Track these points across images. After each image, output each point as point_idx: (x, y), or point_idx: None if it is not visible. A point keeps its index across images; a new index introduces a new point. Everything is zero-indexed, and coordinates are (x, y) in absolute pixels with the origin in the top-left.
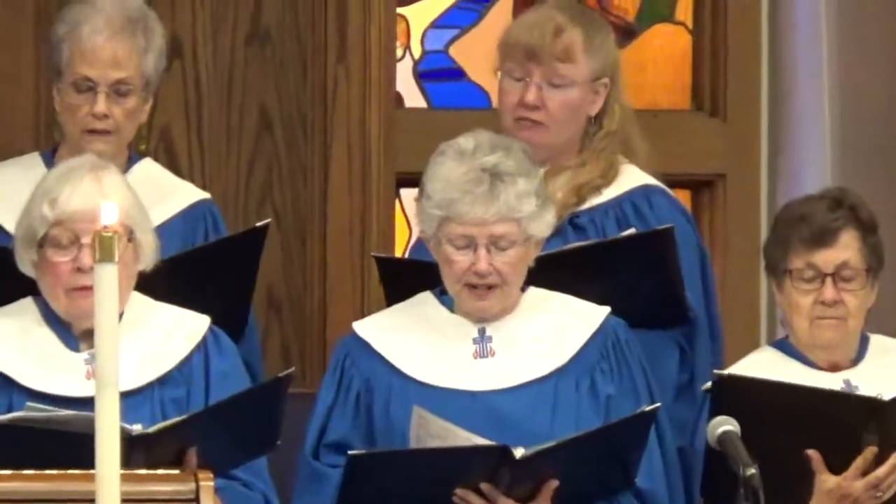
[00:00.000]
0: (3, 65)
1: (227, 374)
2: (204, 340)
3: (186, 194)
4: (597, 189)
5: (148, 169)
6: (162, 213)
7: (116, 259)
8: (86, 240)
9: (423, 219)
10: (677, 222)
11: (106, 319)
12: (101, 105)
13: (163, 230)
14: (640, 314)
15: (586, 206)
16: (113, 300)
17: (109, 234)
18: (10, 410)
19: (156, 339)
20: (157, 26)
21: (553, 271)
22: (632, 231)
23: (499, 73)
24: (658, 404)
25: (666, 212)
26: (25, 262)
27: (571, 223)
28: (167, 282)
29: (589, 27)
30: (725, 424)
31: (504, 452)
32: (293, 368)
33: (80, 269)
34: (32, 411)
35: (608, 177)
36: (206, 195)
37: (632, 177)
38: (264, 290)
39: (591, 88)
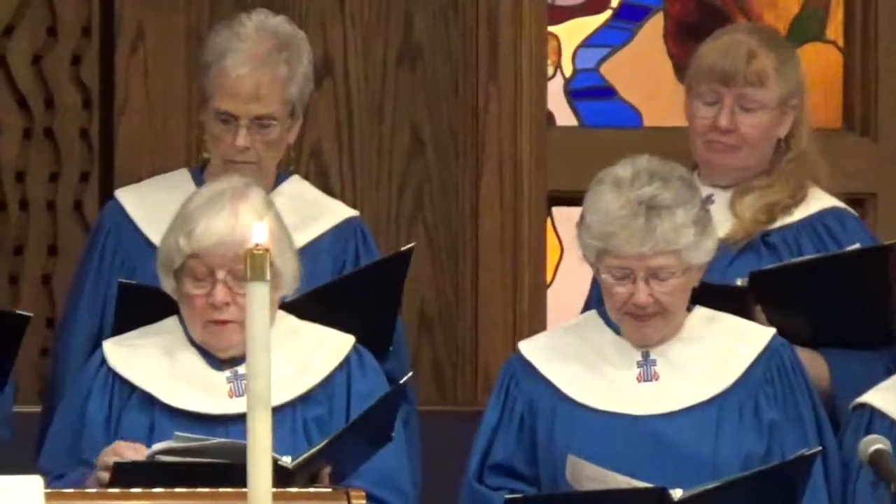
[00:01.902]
0: (156, 86)
1: (369, 395)
2: (347, 360)
3: (335, 212)
4: (787, 209)
5: (296, 187)
6: (311, 231)
7: (268, 277)
8: (220, 275)
9: (583, 248)
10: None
11: (257, 337)
12: (241, 139)
13: (312, 248)
14: (850, 332)
15: (777, 224)
16: (264, 318)
17: (260, 253)
18: (152, 429)
19: (299, 357)
20: (304, 49)
21: (771, 286)
22: (857, 246)
23: (688, 97)
24: (819, 448)
25: (858, 235)
26: (167, 288)
27: (764, 241)
28: (314, 309)
29: (779, 51)
30: (877, 443)
31: (662, 495)
32: (410, 374)
33: (213, 305)
34: (181, 441)
35: (797, 197)
36: (354, 212)
37: (821, 198)
38: (416, 308)
39: (781, 111)
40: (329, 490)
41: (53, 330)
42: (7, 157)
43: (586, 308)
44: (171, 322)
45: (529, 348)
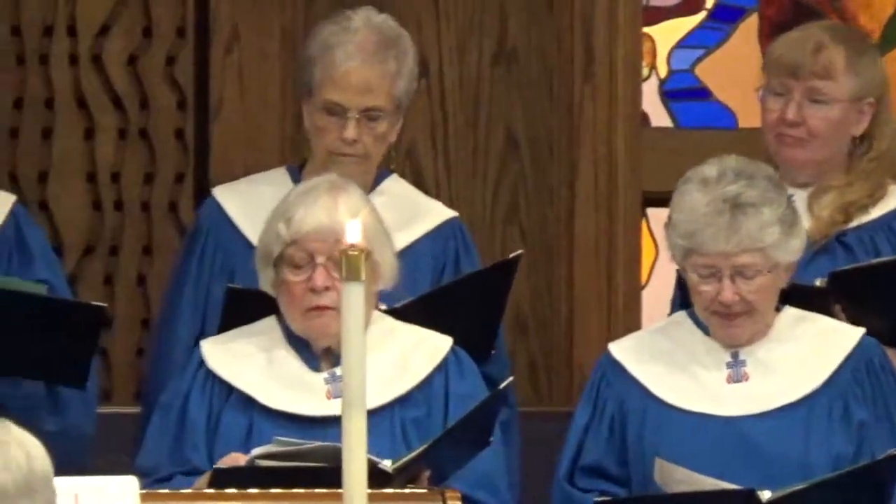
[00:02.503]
0: (251, 86)
1: (467, 396)
2: (445, 361)
3: (435, 213)
4: (864, 208)
5: (395, 187)
6: (411, 232)
7: (363, 278)
8: (320, 259)
9: (671, 247)
10: None
11: (352, 338)
12: (350, 131)
13: (412, 250)
14: None
15: (853, 224)
16: (359, 319)
17: (356, 253)
18: (250, 430)
19: (397, 358)
20: (410, 48)
21: (851, 286)
22: None
23: (760, 91)
24: None
25: None
26: (265, 282)
27: (839, 241)
28: (419, 316)
29: (853, 46)
30: None
31: (750, 496)
32: (511, 379)
33: (313, 290)
34: (281, 445)
35: (875, 196)
36: (454, 213)
37: None
38: (511, 309)
39: (854, 107)
40: (424, 491)
41: (148, 330)
42: (102, 158)
43: (672, 310)
44: (269, 322)
45: (619, 349)
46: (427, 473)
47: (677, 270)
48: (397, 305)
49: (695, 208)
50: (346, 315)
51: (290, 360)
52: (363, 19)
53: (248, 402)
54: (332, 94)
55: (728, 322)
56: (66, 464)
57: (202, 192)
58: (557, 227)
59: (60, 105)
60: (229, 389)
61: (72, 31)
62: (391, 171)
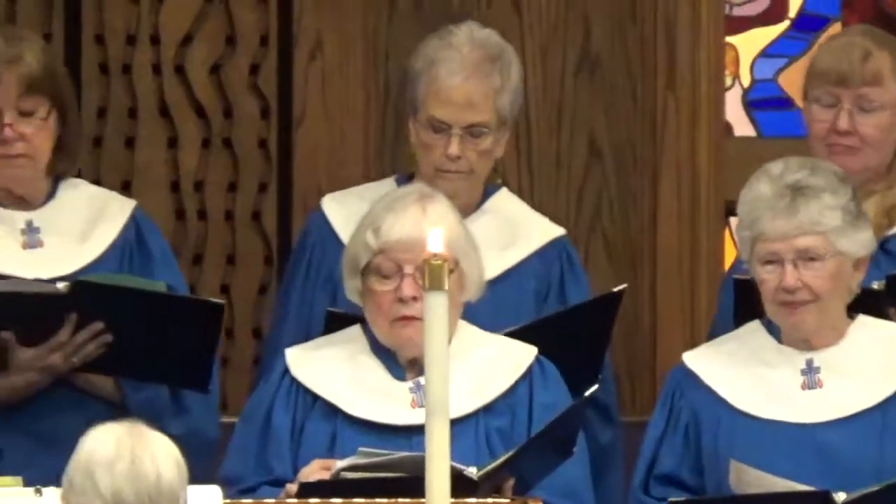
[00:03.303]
0: (334, 95)
1: (551, 406)
2: (530, 371)
3: (542, 232)
4: None
5: (503, 203)
6: (517, 252)
7: (446, 287)
8: (408, 269)
9: (739, 244)
10: None
11: (436, 347)
12: (454, 148)
13: (518, 270)
14: None
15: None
16: (442, 328)
17: (438, 263)
18: (334, 439)
19: (482, 368)
20: (515, 62)
21: None
22: None
23: (805, 102)
24: None
25: None
26: (351, 291)
27: (882, 248)
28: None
29: (894, 50)
30: None
31: (825, 497)
32: (595, 386)
33: (401, 300)
34: (365, 456)
35: None
36: (561, 231)
37: None
38: None
39: None
40: (507, 501)
41: (232, 339)
42: (186, 167)
43: (714, 322)
44: (354, 331)
45: (693, 358)
46: (511, 482)
47: (734, 279)
48: (503, 332)
49: (758, 197)
50: (429, 324)
51: (374, 369)
52: (466, 34)
53: (333, 411)
54: (435, 111)
55: (792, 310)
56: (194, 468)
57: (285, 202)
58: (640, 236)
59: (144, 114)
60: (314, 398)
61: (155, 40)
62: (499, 186)
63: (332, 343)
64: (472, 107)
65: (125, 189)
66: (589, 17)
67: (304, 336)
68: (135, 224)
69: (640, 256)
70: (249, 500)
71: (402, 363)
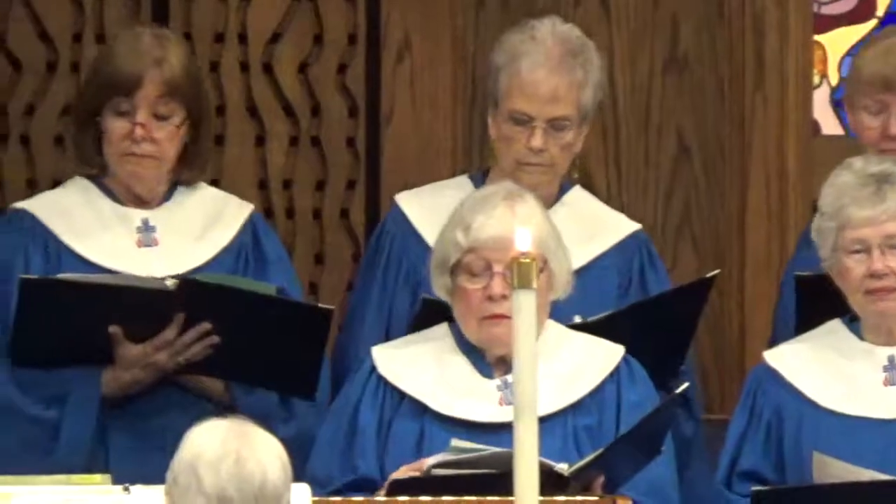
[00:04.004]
0: (422, 94)
1: (639, 405)
2: (617, 370)
3: (620, 226)
4: None
5: (580, 198)
6: (596, 246)
7: (534, 285)
8: (498, 268)
9: (820, 238)
10: None
11: (524, 345)
12: (538, 140)
13: (597, 263)
14: None
15: None
16: (531, 326)
17: (527, 261)
18: (421, 436)
19: (570, 366)
20: (596, 57)
21: None
22: None
23: (852, 111)
24: None
25: None
26: (440, 287)
27: None
28: (609, 331)
29: None
30: None
31: None
32: (686, 384)
33: (491, 298)
34: (456, 452)
35: None
36: (637, 226)
37: None
38: None
39: None
40: (596, 498)
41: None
42: (274, 165)
43: (775, 321)
44: (440, 329)
45: (774, 357)
46: (601, 479)
47: (795, 276)
48: (589, 320)
49: (843, 186)
50: (518, 322)
51: (462, 367)
52: (549, 28)
53: (420, 409)
54: (518, 104)
55: (880, 297)
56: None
57: (374, 200)
58: (729, 235)
59: (231, 113)
60: (401, 396)
61: (243, 39)
62: (574, 183)
63: (419, 341)
64: (555, 100)
65: (214, 186)
66: (677, 16)
67: (384, 331)
68: (251, 227)
69: (729, 255)
70: (338, 499)
71: (489, 361)
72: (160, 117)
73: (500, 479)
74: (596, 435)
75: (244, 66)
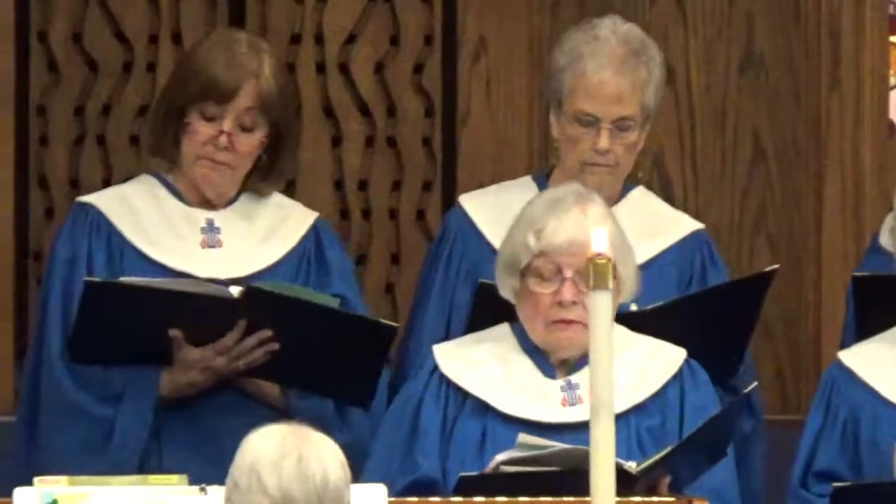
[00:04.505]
0: (498, 95)
1: (702, 407)
2: (680, 372)
3: (681, 225)
4: None
5: (642, 198)
6: (657, 244)
7: (611, 286)
8: (568, 273)
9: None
10: None
11: (600, 346)
12: (604, 141)
13: (658, 261)
14: None
15: None
16: (607, 327)
17: (604, 262)
18: (484, 436)
19: (633, 368)
20: (658, 56)
21: None
22: None
23: None
24: None
25: None
26: (506, 288)
27: None
28: (668, 320)
29: None
30: None
31: None
32: (754, 384)
33: (561, 303)
34: (524, 448)
35: None
36: (699, 225)
37: None
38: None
39: None
40: (672, 499)
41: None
42: (350, 166)
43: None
44: (502, 330)
45: (849, 357)
46: (667, 479)
47: (853, 276)
48: (647, 308)
49: None
50: (594, 323)
51: (526, 368)
52: (610, 28)
53: (484, 409)
54: (584, 105)
55: None
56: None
57: (450, 201)
58: (805, 235)
59: (308, 113)
60: (464, 395)
61: (319, 39)
62: (637, 183)
63: (481, 341)
64: (620, 100)
65: (290, 187)
66: (752, 16)
67: (444, 330)
68: (315, 234)
69: (805, 255)
70: (414, 499)
71: (552, 362)
72: (245, 128)
73: (569, 476)
74: (659, 436)
75: (320, 67)
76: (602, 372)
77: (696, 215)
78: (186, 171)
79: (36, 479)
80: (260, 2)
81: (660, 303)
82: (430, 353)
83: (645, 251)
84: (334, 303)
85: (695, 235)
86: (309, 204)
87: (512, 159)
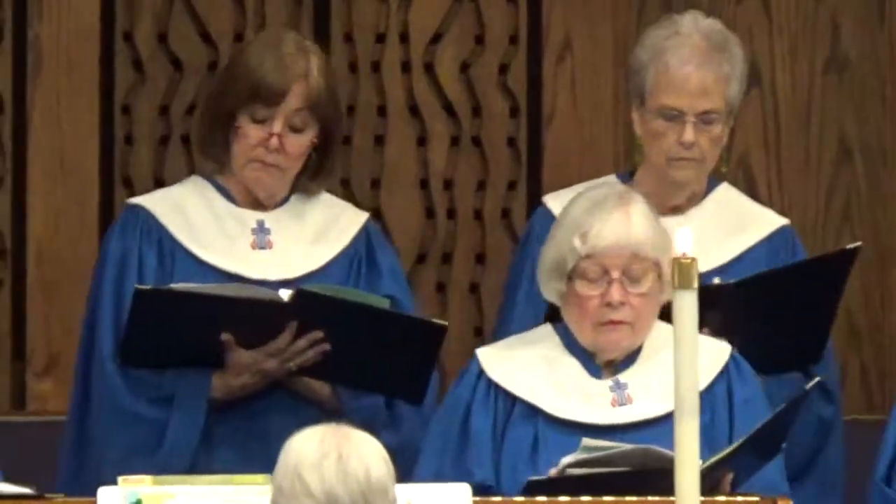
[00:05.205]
0: (583, 95)
1: (750, 401)
2: (726, 368)
3: (768, 221)
4: None
5: (727, 195)
6: (744, 240)
7: (695, 285)
8: (615, 274)
9: None
10: None
11: (685, 345)
12: (689, 135)
13: (745, 258)
14: None
15: None
16: (693, 327)
17: (688, 261)
18: (535, 441)
19: None
20: (740, 51)
21: None
22: None
23: None
24: None
25: None
26: (550, 291)
27: None
28: (748, 296)
29: None
30: None
31: None
32: (816, 380)
33: (608, 304)
34: (588, 451)
35: None
36: (785, 221)
37: None
38: (843, 316)
39: None
40: (756, 498)
41: (482, 338)
42: (435, 165)
43: None
44: (545, 330)
45: None
46: (730, 477)
47: None
48: (732, 281)
49: None
50: (680, 322)
51: (573, 369)
52: (691, 23)
53: (533, 412)
54: (668, 99)
55: None
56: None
57: (534, 200)
58: (890, 235)
59: (392, 112)
60: (512, 400)
61: (404, 39)
62: (721, 180)
63: (525, 343)
64: (704, 94)
65: (374, 187)
66: (837, 17)
67: (533, 321)
68: (366, 235)
69: (890, 256)
70: (498, 499)
71: (598, 362)
72: (295, 129)
73: (636, 476)
74: (709, 433)
75: (405, 67)
76: (686, 373)
77: (781, 215)
78: (237, 173)
79: (120, 479)
80: (345, 1)
81: (741, 278)
82: (475, 356)
83: (732, 247)
84: (385, 303)
85: (781, 231)
86: (394, 204)
87: (597, 158)
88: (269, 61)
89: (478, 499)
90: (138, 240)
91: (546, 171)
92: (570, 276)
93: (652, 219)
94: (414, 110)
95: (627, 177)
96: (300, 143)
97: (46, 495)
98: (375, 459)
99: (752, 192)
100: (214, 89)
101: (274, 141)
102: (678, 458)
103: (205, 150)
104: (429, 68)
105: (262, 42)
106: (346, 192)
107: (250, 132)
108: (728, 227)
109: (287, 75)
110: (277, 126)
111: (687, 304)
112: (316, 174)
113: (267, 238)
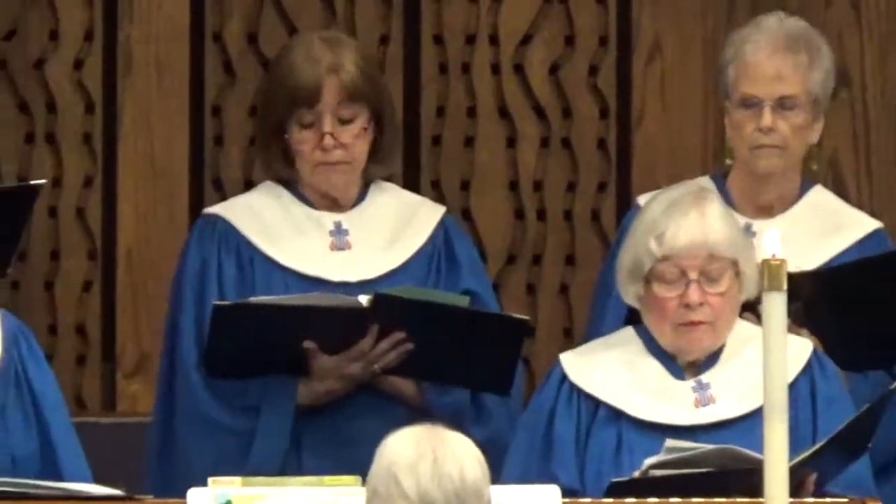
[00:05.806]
0: (673, 96)
1: (833, 398)
2: (809, 365)
3: (861, 224)
4: None
5: (821, 197)
6: (838, 243)
7: (784, 287)
8: (693, 275)
9: None
10: None
11: (774, 348)
12: (766, 119)
13: (839, 260)
14: None
15: None
16: (782, 328)
17: (777, 263)
18: (619, 444)
19: (758, 366)
20: (823, 46)
21: None
22: None
23: None
24: None
25: None
26: (629, 294)
27: None
28: (821, 291)
29: None
30: None
31: None
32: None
33: (687, 306)
34: (671, 452)
35: None
36: (879, 224)
37: None
38: None
39: None
40: (845, 500)
41: (571, 339)
42: (525, 167)
43: None
44: (627, 333)
45: None
46: (814, 476)
47: None
48: (816, 268)
49: None
50: (769, 325)
51: (655, 370)
52: (775, 19)
53: (616, 415)
54: (746, 88)
55: None
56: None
57: (624, 201)
58: None
59: (482, 113)
60: (595, 403)
61: (494, 40)
62: (813, 183)
63: (607, 346)
64: (781, 79)
65: (464, 188)
66: None
67: (621, 319)
68: (444, 231)
69: None
70: (587, 500)
71: (681, 363)
72: (345, 122)
73: (718, 476)
74: (793, 431)
75: (495, 68)
76: (776, 374)
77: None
78: (307, 182)
79: (210, 480)
80: (435, 2)
81: (820, 267)
82: (558, 361)
83: (826, 250)
84: (464, 301)
85: (875, 234)
86: (484, 205)
87: (686, 159)
88: (297, 64)
89: (567, 500)
90: (216, 249)
91: (635, 173)
92: (648, 279)
93: (728, 217)
94: (504, 112)
95: (721, 178)
96: (352, 133)
97: (136, 496)
98: (470, 461)
99: (842, 194)
100: (260, 107)
101: (328, 140)
102: (767, 461)
103: (269, 169)
104: (518, 69)
105: (290, 49)
106: (436, 194)
107: (304, 139)
108: (821, 231)
109: (317, 72)
110: (326, 125)
111: (776, 306)
112: (379, 156)
113: (345, 239)
